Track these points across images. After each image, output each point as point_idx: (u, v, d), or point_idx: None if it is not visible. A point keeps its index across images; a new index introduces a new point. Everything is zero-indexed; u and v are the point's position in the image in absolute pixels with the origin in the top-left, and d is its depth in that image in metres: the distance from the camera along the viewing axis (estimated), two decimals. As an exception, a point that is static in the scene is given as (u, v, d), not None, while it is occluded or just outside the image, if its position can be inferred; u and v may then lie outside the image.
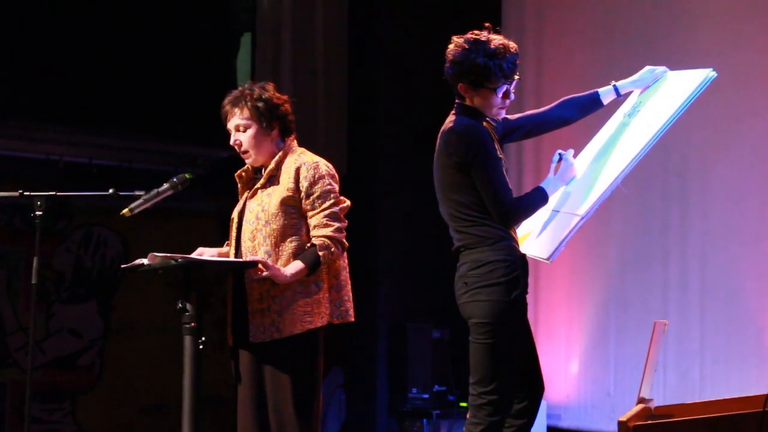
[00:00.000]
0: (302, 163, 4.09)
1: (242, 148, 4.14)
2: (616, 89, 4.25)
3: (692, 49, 6.24)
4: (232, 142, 4.16)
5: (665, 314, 6.31)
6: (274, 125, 4.13)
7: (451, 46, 3.95)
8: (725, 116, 6.25)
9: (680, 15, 6.51)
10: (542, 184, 4.04)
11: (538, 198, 3.99)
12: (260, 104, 4.11)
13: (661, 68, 4.27)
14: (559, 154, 4.14)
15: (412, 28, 7.37)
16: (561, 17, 7.22)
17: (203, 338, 3.88)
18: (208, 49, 7.56)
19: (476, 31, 3.95)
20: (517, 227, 4.01)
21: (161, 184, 4.13)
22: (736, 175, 6.24)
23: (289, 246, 4.04)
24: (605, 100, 4.24)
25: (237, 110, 4.12)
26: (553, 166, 4.14)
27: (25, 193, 4.28)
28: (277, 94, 4.18)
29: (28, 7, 6.80)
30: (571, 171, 4.11)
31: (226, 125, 4.19)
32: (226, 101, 4.17)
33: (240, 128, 4.13)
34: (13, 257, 6.78)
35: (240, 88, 4.18)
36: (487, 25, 3.96)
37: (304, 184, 4.06)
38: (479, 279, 3.82)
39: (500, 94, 3.94)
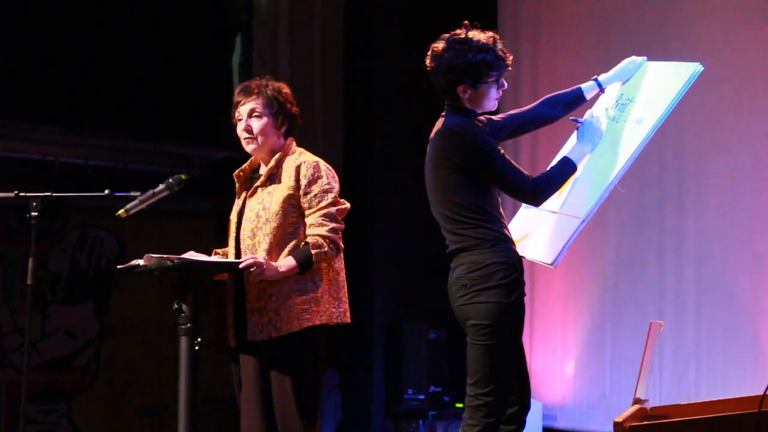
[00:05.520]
0: (302, 161, 4.10)
1: (252, 134, 4.13)
2: (598, 84, 4.24)
3: (689, 48, 6.24)
4: (242, 127, 4.14)
5: (661, 315, 6.31)
6: (285, 121, 4.15)
7: (437, 53, 3.92)
8: (721, 116, 6.26)
9: (677, 14, 6.52)
10: (568, 154, 4.02)
11: (564, 168, 3.97)
12: (279, 97, 4.14)
13: (642, 58, 4.27)
14: (576, 120, 4.11)
15: (408, 29, 7.36)
16: (557, 17, 7.23)
17: (199, 339, 3.88)
18: (205, 49, 7.56)
19: (455, 32, 3.95)
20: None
21: (157, 185, 4.13)
22: (731, 176, 6.25)
23: (287, 245, 4.04)
24: (588, 96, 4.24)
25: (254, 96, 4.13)
26: (576, 133, 4.11)
27: (21, 194, 4.27)
28: (291, 95, 4.21)
29: (23, 8, 6.80)
30: (597, 132, 4.06)
31: (235, 110, 4.17)
32: (242, 87, 4.18)
33: (254, 113, 4.13)
34: (9, 258, 6.78)
35: (256, 80, 4.21)
36: (465, 22, 3.96)
37: (303, 182, 4.07)
38: (479, 281, 3.81)
39: (498, 85, 3.95)
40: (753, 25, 6.18)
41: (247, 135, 4.14)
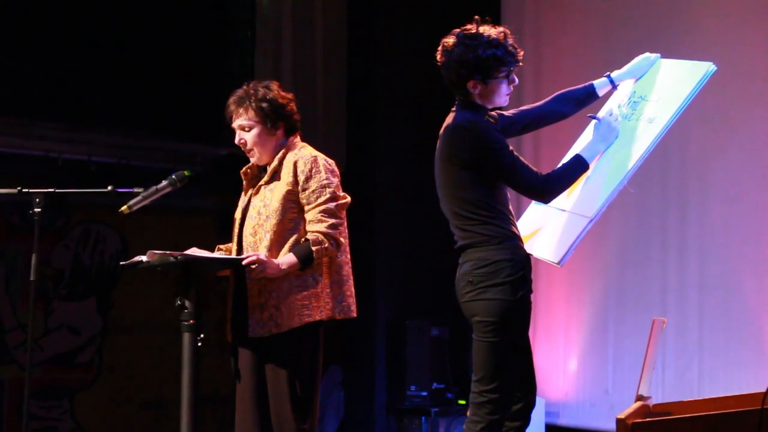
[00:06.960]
0: (300, 157, 4.11)
1: (247, 147, 4.17)
2: (611, 80, 4.23)
3: (692, 45, 6.24)
4: (237, 141, 4.18)
5: (664, 312, 6.31)
6: (279, 125, 4.15)
7: (447, 48, 3.91)
8: (724, 114, 6.25)
9: (680, 11, 6.51)
10: (581, 151, 4.01)
11: (576, 166, 3.96)
12: (264, 104, 4.12)
13: (655, 55, 4.26)
14: (593, 116, 4.10)
15: (411, 26, 7.37)
16: (560, 16, 7.23)
17: (202, 335, 3.89)
18: (207, 46, 7.56)
19: (466, 27, 3.94)
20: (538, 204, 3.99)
21: (160, 182, 4.14)
22: (734, 173, 6.24)
23: (288, 241, 4.05)
24: (600, 92, 4.24)
25: (242, 110, 4.14)
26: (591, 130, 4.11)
27: (24, 190, 4.28)
28: (282, 93, 4.19)
29: (25, 5, 6.79)
30: (614, 132, 4.06)
31: (230, 124, 4.19)
32: (230, 101, 4.18)
33: (245, 128, 4.15)
34: (12, 254, 6.78)
35: (244, 87, 4.19)
36: (476, 18, 3.95)
37: (300, 178, 4.08)
38: (485, 278, 3.81)
39: (508, 81, 3.95)
40: (756, 24, 6.17)
41: (243, 149, 4.18)
